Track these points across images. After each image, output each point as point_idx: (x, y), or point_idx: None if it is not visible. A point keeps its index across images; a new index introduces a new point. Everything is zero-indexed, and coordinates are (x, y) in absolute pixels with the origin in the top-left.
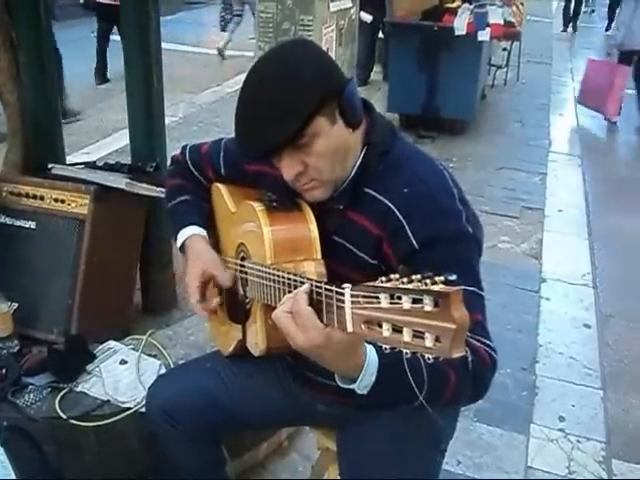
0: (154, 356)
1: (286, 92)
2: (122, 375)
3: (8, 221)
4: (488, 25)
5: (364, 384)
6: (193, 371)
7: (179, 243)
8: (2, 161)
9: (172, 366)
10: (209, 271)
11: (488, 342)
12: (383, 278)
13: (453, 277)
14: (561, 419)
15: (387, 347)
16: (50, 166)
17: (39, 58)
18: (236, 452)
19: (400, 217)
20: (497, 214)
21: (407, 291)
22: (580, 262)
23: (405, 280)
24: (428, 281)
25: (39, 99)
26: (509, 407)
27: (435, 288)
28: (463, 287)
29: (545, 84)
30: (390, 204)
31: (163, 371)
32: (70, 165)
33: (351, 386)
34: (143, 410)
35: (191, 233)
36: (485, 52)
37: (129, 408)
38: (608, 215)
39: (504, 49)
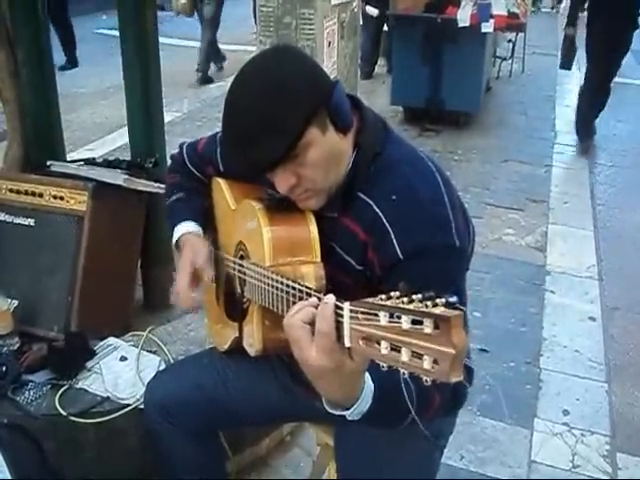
0: (154, 352)
1: (275, 109)
2: (122, 372)
3: (7, 218)
4: (492, 16)
5: (358, 411)
6: (190, 368)
7: (174, 240)
8: (2, 158)
9: (172, 362)
10: (195, 262)
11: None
12: (383, 296)
13: (454, 299)
14: (565, 413)
15: (385, 365)
16: (49, 163)
17: (38, 55)
18: (238, 447)
19: (387, 225)
20: (502, 207)
21: (407, 311)
22: (585, 254)
23: (405, 300)
24: (429, 303)
25: (38, 96)
26: (513, 401)
27: (436, 311)
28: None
29: (550, 76)
30: (378, 210)
31: (163, 367)
32: (69, 162)
33: (342, 413)
34: (143, 407)
35: (185, 230)
36: (489, 44)
37: (129, 405)
38: (614, 207)
39: (509, 40)
